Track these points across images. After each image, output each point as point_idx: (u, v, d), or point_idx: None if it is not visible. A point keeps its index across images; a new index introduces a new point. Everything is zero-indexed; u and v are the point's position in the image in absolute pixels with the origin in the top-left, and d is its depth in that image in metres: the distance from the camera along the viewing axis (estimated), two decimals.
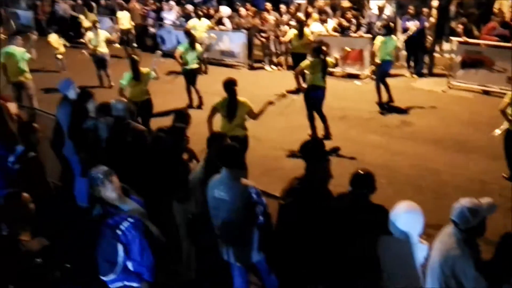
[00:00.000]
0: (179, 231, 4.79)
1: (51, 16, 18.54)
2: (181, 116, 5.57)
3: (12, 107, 6.93)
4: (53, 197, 5.05)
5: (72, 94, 6.37)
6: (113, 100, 5.73)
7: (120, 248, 3.47)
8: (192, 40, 10.36)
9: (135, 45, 15.74)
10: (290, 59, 12.57)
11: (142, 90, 8.17)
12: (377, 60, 9.90)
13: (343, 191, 4.09)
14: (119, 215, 3.59)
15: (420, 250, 3.52)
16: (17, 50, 9.49)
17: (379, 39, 9.93)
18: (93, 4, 17.32)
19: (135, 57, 8.40)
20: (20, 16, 19.62)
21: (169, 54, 14.23)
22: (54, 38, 13.45)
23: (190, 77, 10.42)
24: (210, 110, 6.48)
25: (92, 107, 6.01)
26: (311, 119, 8.59)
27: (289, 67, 12.82)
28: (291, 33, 11.21)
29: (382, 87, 10.02)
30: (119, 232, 3.48)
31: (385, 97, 10.10)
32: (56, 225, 4.52)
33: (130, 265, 3.56)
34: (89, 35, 12.04)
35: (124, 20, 15.29)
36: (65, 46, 13.90)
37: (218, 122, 6.46)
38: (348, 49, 9.54)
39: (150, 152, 5.15)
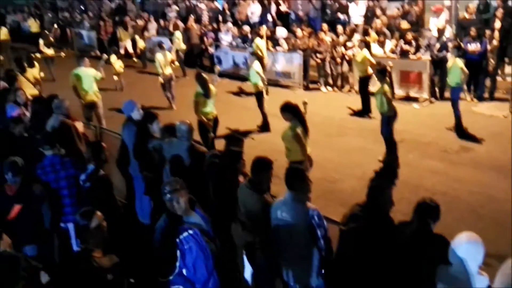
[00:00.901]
0: (237, 253, 4.89)
1: (113, 36, 19.37)
2: (235, 140, 5.69)
3: (80, 126, 7.31)
4: (119, 215, 5.26)
5: (136, 115, 6.63)
6: (177, 122, 5.93)
7: (178, 254, 3.82)
8: (261, 61, 10.57)
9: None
10: (348, 80, 12.66)
11: (213, 107, 8.52)
12: (453, 84, 9.78)
13: (402, 217, 4.08)
14: (182, 225, 3.90)
15: (479, 282, 3.47)
16: (87, 71, 9.99)
17: (459, 60, 9.78)
18: (155, 24, 18.05)
19: (204, 74, 8.65)
20: (83, 36, 20.64)
21: (225, 74, 14.65)
22: (114, 59, 14.07)
23: (262, 97, 10.58)
24: (298, 138, 6.38)
25: (156, 128, 6.21)
26: (387, 145, 8.54)
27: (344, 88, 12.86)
28: (362, 54, 11.18)
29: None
30: (178, 240, 3.83)
31: (448, 122, 9.93)
32: (121, 242, 4.73)
33: (185, 271, 3.90)
34: (158, 57, 12.38)
35: (180, 40, 15.82)
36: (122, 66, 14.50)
37: None
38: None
39: (207, 174, 5.30)
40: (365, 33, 12.53)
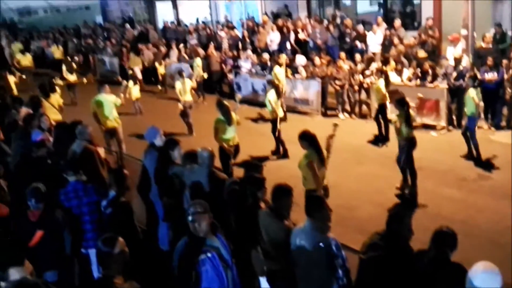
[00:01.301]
0: (255, 281, 4.93)
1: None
2: (254, 167, 5.78)
3: (102, 151, 7.49)
4: (139, 241, 5.34)
5: (158, 141, 6.78)
6: (199, 149, 6.05)
7: (193, 274, 3.92)
8: (277, 90, 10.74)
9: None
10: (365, 107, 12.73)
11: (234, 134, 8.67)
12: (469, 114, 9.81)
13: (420, 245, 4.09)
14: (201, 247, 3.99)
15: None
16: (108, 97, 10.24)
17: (473, 91, 9.84)
18: (176, 51, 18.43)
19: (226, 102, 8.81)
20: (106, 62, 21.07)
21: (244, 100, 14.82)
22: (131, 84, 14.43)
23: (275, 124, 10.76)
24: (311, 167, 6.47)
25: (178, 154, 6.34)
26: (403, 173, 8.56)
27: (362, 116, 12.90)
28: (379, 83, 11.29)
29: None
30: (196, 261, 3.92)
31: (465, 150, 9.91)
32: (141, 268, 4.80)
33: None
34: (177, 84, 12.66)
35: (198, 66, 16.10)
36: (142, 91, 14.80)
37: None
38: (420, 95, 9.54)
39: (228, 201, 5.38)
40: (386, 62, 12.62)
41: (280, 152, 10.74)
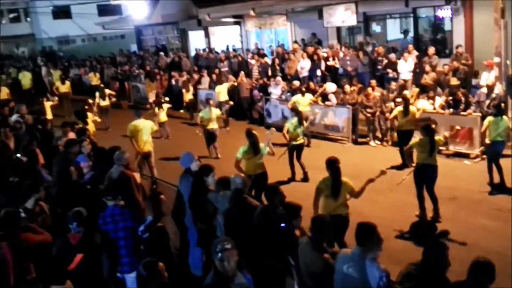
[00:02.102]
0: None
1: (168, 89, 20.23)
2: (274, 193, 5.80)
3: (137, 176, 7.67)
4: (174, 266, 5.42)
5: (194, 167, 6.92)
6: (232, 175, 6.16)
7: None
8: (300, 117, 10.85)
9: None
10: (395, 135, 12.63)
11: (258, 163, 8.61)
12: (487, 141, 9.69)
13: (455, 277, 4.05)
14: (229, 286, 3.93)
15: None
16: (145, 122, 10.62)
17: (488, 119, 9.74)
18: (208, 78, 18.84)
19: (254, 131, 8.89)
20: (140, 89, 21.60)
21: (274, 127, 14.93)
22: (157, 109, 14.83)
23: (297, 151, 10.84)
24: (315, 192, 6.63)
25: (211, 180, 6.42)
26: (420, 199, 8.50)
27: (394, 143, 12.82)
28: (397, 110, 11.33)
29: (494, 168, 9.69)
30: None
31: (497, 179, 9.72)
32: None
33: None
34: (202, 113, 12.95)
35: (223, 93, 16.36)
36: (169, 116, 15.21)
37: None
38: (458, 127, 9.50)
39: (259, 228, 5.42)
40: (423, 89, 12.60)
41: (289, 176, 10.88)
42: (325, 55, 17.56)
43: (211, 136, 12.85)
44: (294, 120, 10.91)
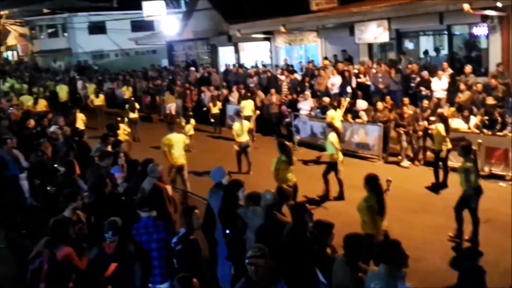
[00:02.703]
0: None
1: (197, 104, 20.47)
2: (302, 209, 5.77)
3: (169, 189, 7.76)
4: (205, 279, 5.43)
5: (225, 181, 6.97)
6: (263, 191, 6.17)
7: None
8: (337, 132, 10.83)
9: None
10: (427, 154, 12.47)
11: (292, 174, 8.72)
12: None
13: None
14: None
15: None
16: (178, 136, 10.85)
17: None
18: (237, 94, 19.00)
19: (286, 142, 8.98)
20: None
21: (303, 143, 14.93)
22: (192, 124, 14.96)
23: (335, 167, 10.75)
24: (367, 211, 6.48)
25: (241, 195, 6.47)
26: (459, 221, 8.34)
27: (426, 163, 12.62)
28: (440, 128, 11.12)
29: None
30: None
31: None
32: None
33: None
34: (235, 126, 13.05)
35: (247, 108, 16.47)
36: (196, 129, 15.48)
37: None
38: (480, 140, 9.28)
39: (288, 244, 5.39)
40: (459, 109, 12.42)
41: (328, 194, 10.81)
42: (356, 71, 17.50)
43: (243, 150, 12.91)
44: (334, 136, 10.79)
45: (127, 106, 17.71)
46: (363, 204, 6.51)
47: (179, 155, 10.73)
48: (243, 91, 18.95)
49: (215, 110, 18.51)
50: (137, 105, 18.04)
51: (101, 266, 5.31)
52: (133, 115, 17.46)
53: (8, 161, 9.64)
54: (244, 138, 12.90)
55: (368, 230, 6.41)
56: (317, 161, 13.77)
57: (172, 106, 20.46)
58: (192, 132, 15.24)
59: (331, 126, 11.39)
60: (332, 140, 10.64)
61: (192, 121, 15.32)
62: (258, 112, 16.30)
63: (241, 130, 12.85)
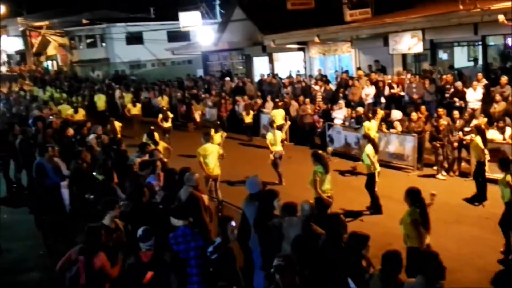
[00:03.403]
0: None
1: (231, 114, 20.75)
2: (337, 221, 5.83)
3: (206, 199, 7.93)
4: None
5: (260, 192, 7.08)
6: (302, 202, 6.27)
7: None
8: (374, 144, 10.87)
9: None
10: (462, 165, 12.35)
11: (329, 184, 8.85)
12: None
13: None
14: None
15: None
16: (213, 146, 11.10)
17: None
18: (271, 103, 19.19)
19: (321, 152, 9.07)
20: (206, 112, 22.31)
21: (336, 153, 14.96)
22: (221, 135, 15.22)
23: (374, 180, 10.69)
24: (412, 225, 6.48)
25: (277, 205, 6.55)
26: (507, 236, 8.21)
27: (461, 174, 12.49)
28: (478, 140, 11.01)
29: None
30: None
31: None
32: None
33: None
34: (268, 136, 13.22)
35: (278, 117, 16.56)
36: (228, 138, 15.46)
37: None
38: None
39: (324, 257, 5.46)
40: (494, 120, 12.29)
41: (374, 208, 10.61)
42: (390, 82, 17.44)
43: (276, 159, 12.99)
44: (370, 149, 10.75)
45: (160, 115, 18.09)
46: (407, 218, 6.50)
47: (214, 166, 10.96)
48: (278, 101, 19.11)
49: (248, 119, 18.75)
50: (170, 115, 18.41)
51: (138, 274, 5.42)
52: (167, 125, 17.85)
53: (48, 169, 9.95)
54: (278, 147, 13.02)
55: (413, 244, 6.43)
56: (352, 171, 13.78)
57: (197, 114, 21.43)
58: (219, 141, 15.42)
59: (368, 138, 11.37)
60: (368, 152, 10.60)
61: (221, 130, 15.46)
62: (289, 122, 16.39)
63: (274, 140, 12.97)
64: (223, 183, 11.64)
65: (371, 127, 13.46)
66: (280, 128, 14.83)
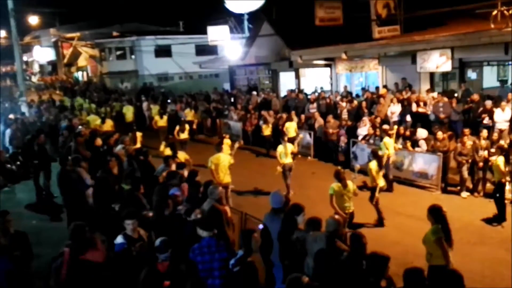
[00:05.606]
0: None
1: (256, 128, 20.89)
2: (358, 239, 5.88)
3: (228, 211, 8.04)
4: None
5: (283, 206, 7.16)
6: (328, 217, 6.34)
7: None
8: (380, 160, 11.02)
9: None
10: (487, 186, 12.18)
11: (350, 202, 8.98)
12: None
13: None
14: None
15: None
16: (225, 156, 11.49)
17: None
18: (296, 118, 19.25)
19: (341, 169, 9.13)
20: (231, 126, 22.50)
21: (360, 170, 14.89)
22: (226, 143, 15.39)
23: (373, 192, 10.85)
24: (438, 243, 6.49)
25: (301, 219, 6.62)
26: None
27: (486, 195, 12.32)
28: (499, 161, 10.92)
29: None
30: None
31: None
32: None
33: None
34: (279, 148, 13.33)
35: (290, 130, 16.69)
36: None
37: None
38: None
39: (346, 274, 5.49)
40: None
41: (376, 221, 10.81)
42: (416, 100, 17.35)
43: (285, 171, 13.10)
44: (374, 165, 10.99)
45: (177, 127, 18.31)
46: (431, 237, 6.49)
47: (225, 174, 11.38)
48: (303, 117, 19.17)
49: (267, 131, 18.89)
50: (187, 126, 18.67)
51: (154, 284, 5.53)
52: (183, 136, 18.05)
53: (74, 178, 10.08)
54: (288, 160, 13.11)
55: (437, 262, 6.40)
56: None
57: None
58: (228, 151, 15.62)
59: (374, 153, 11.57)
60: (372, 167, 10.91)
61: (227, 141, 15.60)
62: (301, 135, 16.48)
63: (285, 152, 13.06)
64: (244, 195, 11.78)
65: (389, 143, 13.46)
66: (292, 140, 14.94)
